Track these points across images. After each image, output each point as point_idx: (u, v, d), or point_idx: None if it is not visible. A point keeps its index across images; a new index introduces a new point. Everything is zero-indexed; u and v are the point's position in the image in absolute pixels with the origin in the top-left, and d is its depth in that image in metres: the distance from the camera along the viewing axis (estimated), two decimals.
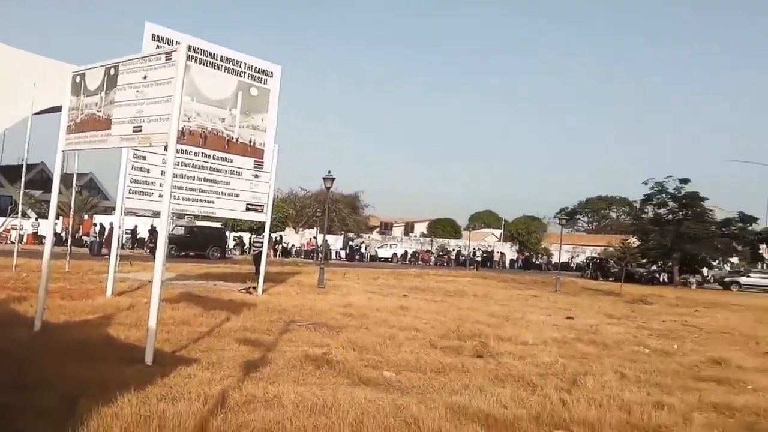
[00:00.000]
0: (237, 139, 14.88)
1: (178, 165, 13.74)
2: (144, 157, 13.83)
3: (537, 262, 67.62)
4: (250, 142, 15.20)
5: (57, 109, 8.86)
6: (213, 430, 4.95)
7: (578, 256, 70.24)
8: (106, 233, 32.86)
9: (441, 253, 62.88)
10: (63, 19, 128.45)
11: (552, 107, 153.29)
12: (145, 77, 7.32)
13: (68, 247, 21.25)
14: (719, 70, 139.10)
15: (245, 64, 14.82)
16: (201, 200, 14.75)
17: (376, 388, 6.79)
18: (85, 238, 38.34)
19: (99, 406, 4.99)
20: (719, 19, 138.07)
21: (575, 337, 12.11)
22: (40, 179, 54.34)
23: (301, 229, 57.71)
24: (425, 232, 79.51)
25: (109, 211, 45.98)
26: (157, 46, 12.61)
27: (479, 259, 56.82)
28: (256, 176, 15.58)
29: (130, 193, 13.84)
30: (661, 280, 46.32)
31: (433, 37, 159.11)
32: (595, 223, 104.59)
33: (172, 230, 34.27)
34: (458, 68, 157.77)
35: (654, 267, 48.43)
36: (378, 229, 78.95)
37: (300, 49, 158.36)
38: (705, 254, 47.05)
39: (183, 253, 34.75)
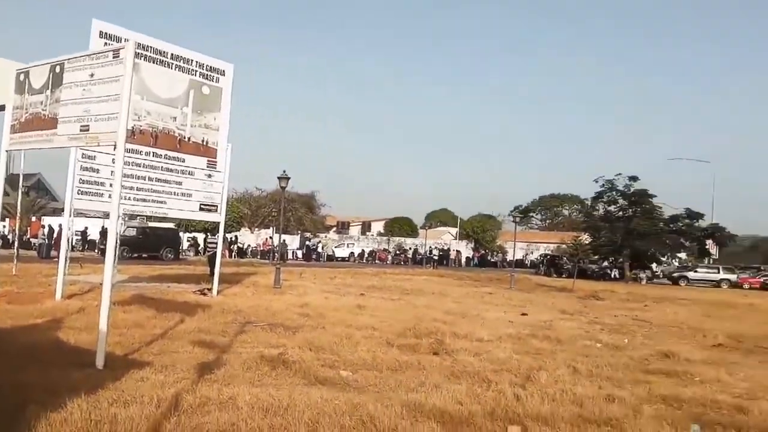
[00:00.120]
0: (189, 138, 14.65)
1: (129, 165, 13.47)
2: (93, 157, 13.52)
3: (492, 260, 68.31)
4: (203, 141, 14.98)
5: (0, 108, 8.60)
6: None
7: (532, 253, 71.33)
8: (55, 235, 31.98)
9: (398, 252, 63.02)
10: (7, 14, 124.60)
11: (552, 107, 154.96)
12: (92, 75, 7.15)
13: (15, 250, 20.66)
14: (719, 70, 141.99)
15: (196, 62, 14.61)
16: (153, 201, 14.49)
17: (333, 387, 6.78)
18: (33, 240, 37.36)
19: (47, 412, 4.89)
20: (719, 19, 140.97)
21: (529, 333, 12.29)
22: None
23: (256, 229, 57.22)
24: (382, 231, 79.59)
25: (58, 212, 44.70)
26: (105, 43, 12.33)
27: (436, 257, 57.17)
28: (210, 176, 15.38)
29: (79, 193, 13.51)
30: (612, 275, 47.29)
31: (433, 37, 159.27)
32: (548, 221, 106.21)
33: (124, 231, 33.57)
34: (458, 68, 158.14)
35: (605, 263, 49.39)
36: (335, 229, 78.77)
37: (300, 49, 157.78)
38: (654, 250, 48.14)
39: (135, 255, 34.07)
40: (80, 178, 13.44)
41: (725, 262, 54.81)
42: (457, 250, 66.65)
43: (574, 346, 11.20)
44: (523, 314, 16.18)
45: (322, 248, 57.90)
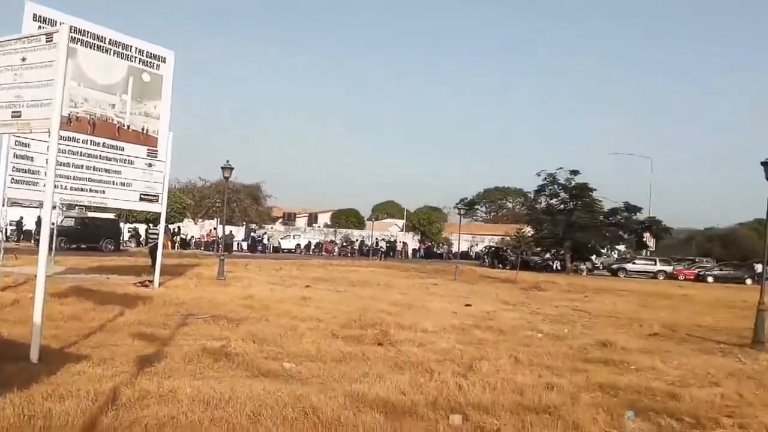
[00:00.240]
0: (128, 126, 14.34)
1: (65, 153, 13.08)
2: (27, 145, 13.01)
3: (438, 252, 68.92)
4: (143, 129, 14.69)
5: None
6: (103, 428, 4.77)
7: (477, 245, 72.20)
8: None
9: (345, 244, 62.94)
10: None
11: (552, 107, 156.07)
12: (23, 59, 6.87)
13: None
14: (719, 70, 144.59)
15: (136, 48, 14.29)
16: (90, 190, 14.09)
17: (276, 379, 6.74)
18: None
19: None
20: (719, 19, 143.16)
21: (473, 324, 12.47)
22: None
23: (200, 220, 56.19)
24: (329, 222, 79.30)
25: None
26: (39, 26, 11.88)
27: (383, 249, 57.34)
28: (150, 165, 15.06)
29: (12, 182, 12.99)
30: (554, 267, 48.25)
31: (433, 37, 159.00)
32: (492, 213, 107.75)
33: (62, 222, 32.61)
34: (458, 68, 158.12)
35: (547, 255, 50.35)
36: (281, 220, 78.02)
37: (300, 49, 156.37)
38: (594, 242, 49.31)
39: (74, 246, 33.11)
40: (14, 167, 12.91)
41: (662, 254, 56.62)
42: (403, 242, 66.96)
43: (516, 336, 11.41)
44: (467, 305, 16.40)
45: (268, 240, 57.39)
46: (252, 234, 57.22)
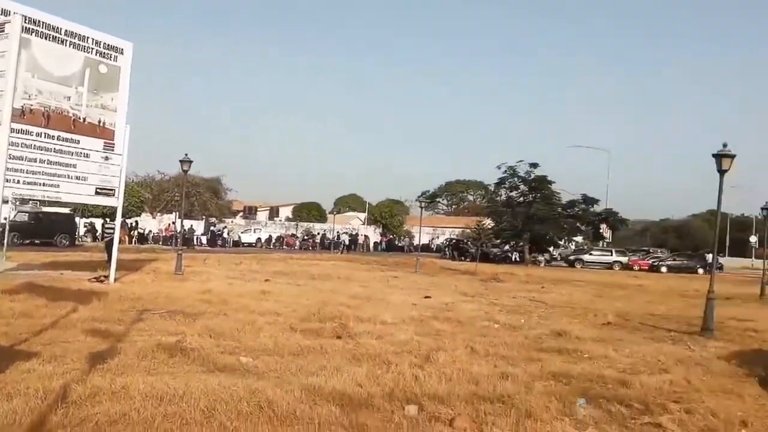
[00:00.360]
0: (84, 118, 14.04)
1: (18, 146, 12.73)
2: None
3: (400, 244, 69.20)
4: (100, 122, 14.40)
5: None
6: (52, 426, 4.70)
7: (438, 237, 72.66)
8: None
9: (306, 237, 62.72)
10: None
11: (552, 107, 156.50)
12: None
13: None
14: (719, 70, 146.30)
15: (93, 39, 13.98)
16: (44, 184, 13.75)
17: (232, 374, 6.71)
18: None
19: None
20: (719, 19, 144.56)
21: (431, 315, 12.59)
22: None
23: (159, 214, 55.34)
24: (290, 216, 78.91)
25: None
26: None
27: (346, 242, 57.33)
28: (107, 158, 14.75)
29: None
30: (513, 259, 48.90)
31: (433, 37, 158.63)
32: (454, 206, 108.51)
33: (15, 217, 31.86)
34: (458, 68, 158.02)
35: (507, 247, 51.02)
36: (241, 214, 77.26)
37: (300, 49, 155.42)
38: (552, 234, 50.13)
39: (27, 241, 32.45)
40: None
41: (618, 245, 57.89)
42: (365, 235, 67.02)
43: (474, 327, 11.56)
44: (427, 297, 16.52)
45: (228, 234, 56.82)
46: (212, 228, 56.59)
